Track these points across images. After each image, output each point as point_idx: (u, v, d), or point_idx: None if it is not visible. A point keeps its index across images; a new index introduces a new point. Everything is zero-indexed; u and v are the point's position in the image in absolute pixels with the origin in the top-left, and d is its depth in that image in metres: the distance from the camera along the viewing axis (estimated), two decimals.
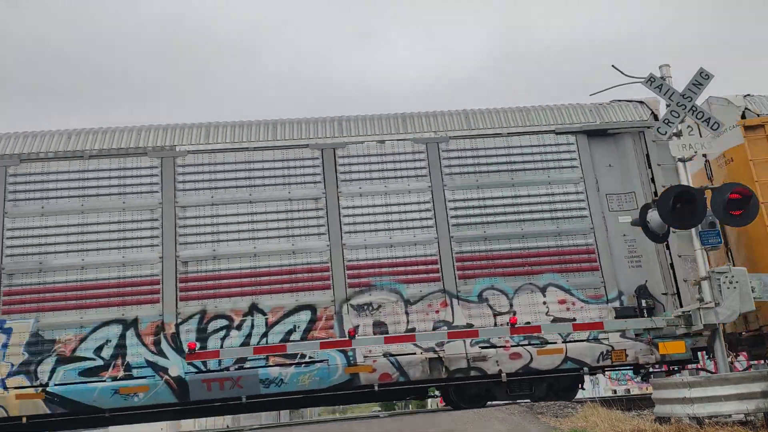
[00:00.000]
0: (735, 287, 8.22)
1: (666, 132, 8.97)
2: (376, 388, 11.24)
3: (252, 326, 11.32)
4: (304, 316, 11.44)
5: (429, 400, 34.89)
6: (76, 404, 10.75)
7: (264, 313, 11.39)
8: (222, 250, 11.65)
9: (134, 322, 11.17)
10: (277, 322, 11.37)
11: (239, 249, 11.67)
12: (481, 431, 8.80)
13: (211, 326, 11.26)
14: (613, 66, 9.21)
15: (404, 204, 12.15)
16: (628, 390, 34.78)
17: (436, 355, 11.29)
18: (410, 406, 40.22)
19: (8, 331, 10.96)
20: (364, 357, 11.24)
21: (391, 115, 12.89)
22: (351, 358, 11.23)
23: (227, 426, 28.63)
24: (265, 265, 11.63)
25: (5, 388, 10.70)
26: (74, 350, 10.96)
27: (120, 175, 11.91)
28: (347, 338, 9.42)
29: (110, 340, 11.06)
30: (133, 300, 11.28)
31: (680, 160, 8.98)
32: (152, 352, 11.02)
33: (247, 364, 11.09)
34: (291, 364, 11.15)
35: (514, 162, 12.43)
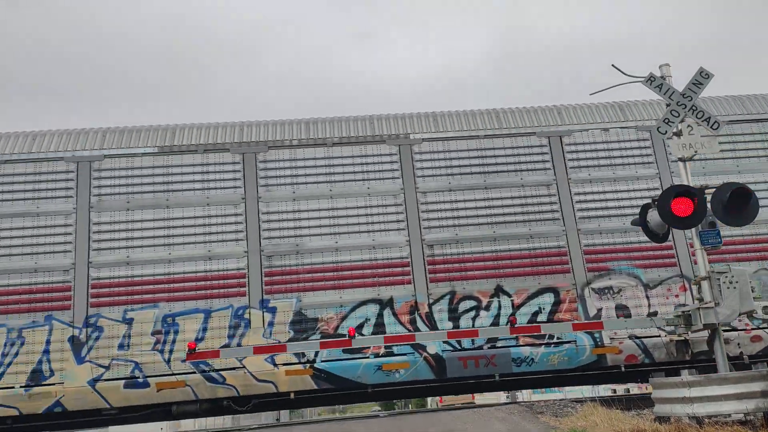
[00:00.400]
0: (735, 287, 8.02)
1: (666, 131, 8.71)
2: (623, 368, 11.21)
3: (499, 307, 11.33)
4: (548, 299, 11.42)
5: (429, 399, 34.35)
6: (342, 380, 10.85)
7: (509, 295, 11.39)
8: (463, 234, 11.67)
9: (389, 302, 11.24)
10: (522, 304, 11.36)
11: (479, 233, 11.66)
12: (481, 431, 8.60)
13: (462, 306, 11.30)
14: (612, 65, 9.03)
15: (633, 190, 12.06)
16: (628, 389, 34.38)
17: (681, 338, 11.24)
18: (410, 405, 39.83)
19: (273, 310, 11.10)
20: (611, 339, 11.22)
21: (608, 104, 12.83)
22: (598, 340, 11.20)
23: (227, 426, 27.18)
24: (506, 249, 11.61)
25: (275, 364, 10.83)
26: (336, 328, 11.06)
27: (362, 161, 11.99)
28: (347, 338, 9.28)
29: (369, 319, 11.14)
30: (386, 281, 11.34)
31: (680, 159, 8.73)
32: (409, 331, 11.11)
33: (499, 343, 11.13)
34: (541, 344, 11.16)
35: (737, 150, 12.30)
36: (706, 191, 8.33)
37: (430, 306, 11.22)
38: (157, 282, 11.01)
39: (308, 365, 10.82)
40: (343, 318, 11.09)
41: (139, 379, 10.52)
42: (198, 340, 10.79)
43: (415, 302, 11.23)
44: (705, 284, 8.21)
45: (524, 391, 31.93)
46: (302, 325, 11.01)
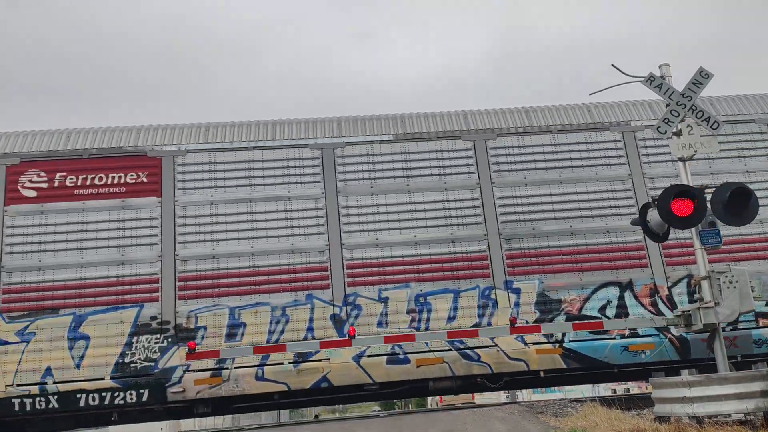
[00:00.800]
0: (735, 287, 7.81)
1: (666, 131, 8.48)
2: None
3: None
4: None
5: (428, 399, 33.77)
6: (590, 360, 10.85)
7: None
8: None
9: (629, 285, 11.25)
10: None
11: None
12: (481, 431, 8.40)
13: None
14: (612, 65, 8.80)
15: None
16: (628, 389, 33.84)
17: None
18: (410, 405, 39.38)
19: (517, 291, 11.18)
20: None
21: None
22: None
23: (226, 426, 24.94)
24: (737, 234, 11.53)
25: (525, 343, 10.93)
26: (580, 309, 11.11)
27: (587, 148, 12.05)
28: (347, 338, 9.05)
29: (611, 301, 11.16)
30: (623, 264, 11.33)
31: (680, 159, 8.49)
32: (651, 313, 11.12)
33: (741, 325, 11.08)
34: None
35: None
36: (706, 191, 8.14)
37: (669, 289, 11.23)
38: (406, 263, 11.16)
39: (557, 345, 10.88)
40: (586, 300, 11.13)
41: (400, 356, 10.67)
42: (450, 318, 10.92)
43: (654, 285, 11.23)
44: (705, 284, 8.02)
45: (524, 391, 31.48)
46: (547, 306, 11.08)
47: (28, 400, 10.03)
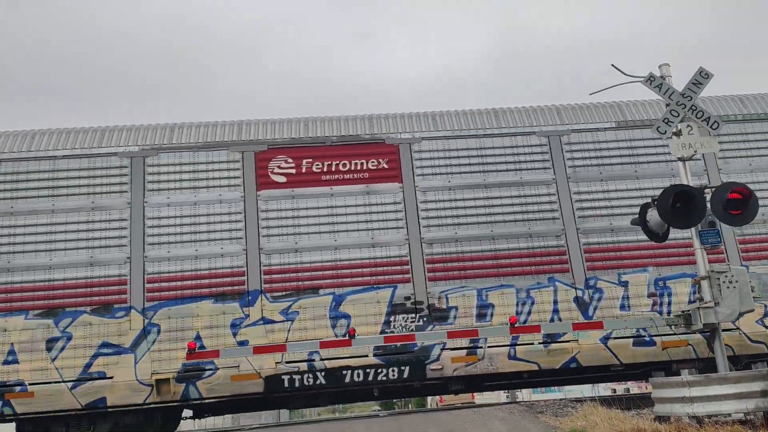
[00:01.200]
0: (735, 287, 7.66)
1: (666, 131, 8.27)
2: None
3: None
4: None
5: (428, 399, 33.23)
6: None
7: None
8: None
9: None
10: None
11: None
12: (481, 431, 8.29)
13: None
14: (612, 65, 8.63)
15: None
16: (628, 389, 33.18)
17: None
18: (410, 405, 39.15)
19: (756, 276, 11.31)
20: None
21: None
22: None
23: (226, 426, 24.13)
24: None
25: (766, 327, 11.01)
26: None
27: (749, 139, 12.09)
28: (348, 338, 8.72)
29: None
30: None
31: (680, 159, 8.26)
32: None
33: None
34: None
35: None
36: (706, 191, 7.99)
37: None
38: (642, 248, 11.23)
39: None
40: None
41: (645, 338, 10.82)
42: (692, 302, 11.04)
43: None
44: (705, 284, 7.91)
45: (524, 391, 30.89)
46: None
47: (297, 377, 10.41)
